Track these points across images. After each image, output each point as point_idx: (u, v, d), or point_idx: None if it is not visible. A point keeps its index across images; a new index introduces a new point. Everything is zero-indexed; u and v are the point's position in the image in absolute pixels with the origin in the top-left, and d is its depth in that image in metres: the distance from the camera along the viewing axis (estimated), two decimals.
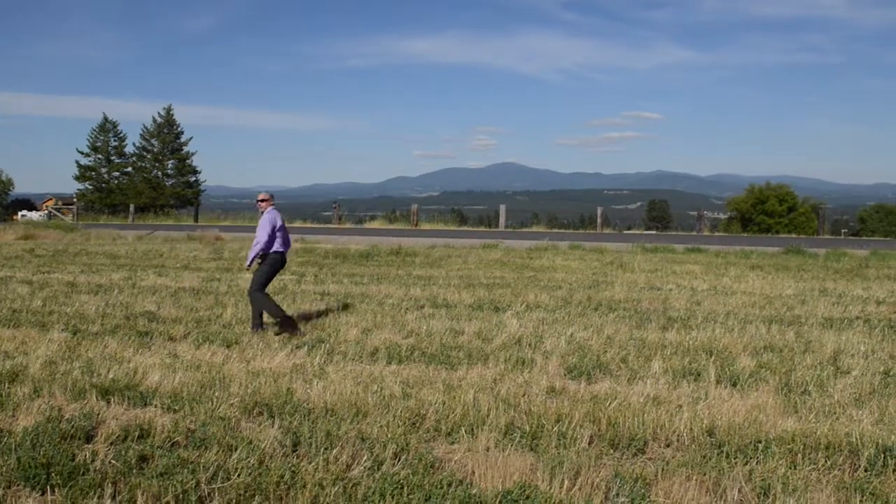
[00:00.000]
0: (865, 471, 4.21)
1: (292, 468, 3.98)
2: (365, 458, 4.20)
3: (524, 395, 5.64)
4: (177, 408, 5.18)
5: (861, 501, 3.71)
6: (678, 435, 4.71)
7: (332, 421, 4.87)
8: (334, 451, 4.23)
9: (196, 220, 40.52)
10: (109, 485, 3.81)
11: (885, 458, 4.28)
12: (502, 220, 32.28)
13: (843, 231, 71.29)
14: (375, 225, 36.10)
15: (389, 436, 4.59)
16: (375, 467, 4.09)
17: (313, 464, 4.05)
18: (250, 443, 4.35)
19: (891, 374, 6.38)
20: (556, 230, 33.77)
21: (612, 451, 4.55)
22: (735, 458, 4.31)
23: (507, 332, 8.07)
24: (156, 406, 5.21)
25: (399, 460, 4.21)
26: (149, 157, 60.08)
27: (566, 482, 3.88)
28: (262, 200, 8.57)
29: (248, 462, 4.08)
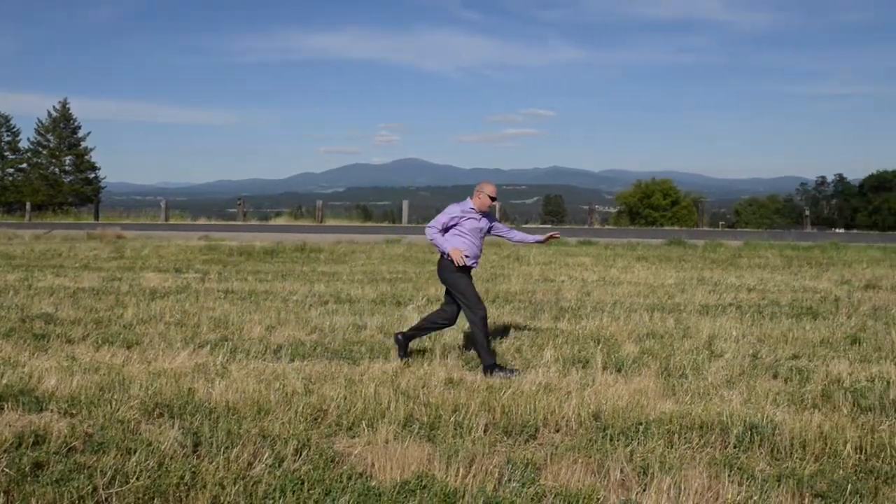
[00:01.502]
0: (734, 447, 4.44)
1: (192, 469, 3.88)
2: (266, 455, 4.14)
3: (423, 386, 5.69)
4: (74, 412, 4.97)
5: (729, 475, 3.90)
6: (567, 420, 4.84)
7: (234, 419, 4.78)
8: (235, 449, 4.15)
9: (97, 217, 38.85)
10: (1, 494, 3.63)
11: (751, 434, 4.53)
12: (405, 215, 32.32)
13: (720, 223, 74.62)
14: (281, 221, 35.50)
15: (291, 432, 4.54)
16: (276, 464, 4.04)
17: (214, 463, 3.97)
18: (150, 445, 4.23)
19: (758, 356, 6.74)
20: None
21: (505, 438, 4.65)
22: (618, 440, 4.47)
23: (408, 326, 8.09)
24: (52, 411, 4.98)
25: (300, 456, 4.17)
26: (44, 152, 57.02)
27: (461, 470, 3.93)
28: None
29: (148, 464, 3.96)
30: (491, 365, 6.18)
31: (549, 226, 41.47)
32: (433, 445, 4.37)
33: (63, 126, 57.59)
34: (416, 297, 10.29)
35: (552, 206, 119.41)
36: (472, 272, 6.69)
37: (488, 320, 6.57)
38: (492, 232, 6.84)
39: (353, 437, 4.61)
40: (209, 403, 5.13)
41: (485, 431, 4.71)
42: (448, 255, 6.44)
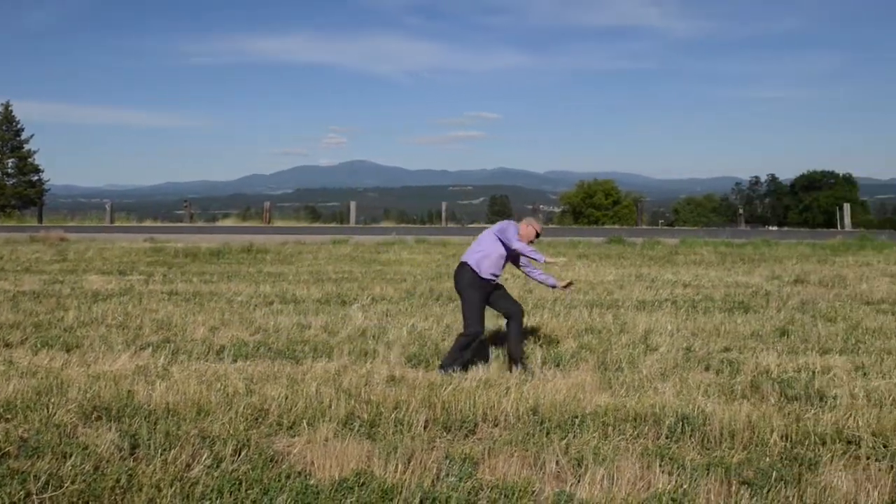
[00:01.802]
0: (667, 438, 4.51)
1: (129, 471, 3.79)
2: (205, 456, 4.06)
3: (366, 385, 5.65)
4: (9, 417, 4.81)
5: (661, 465, 3.96)
6: (506, 415, 4.86)
7: (173, 421, 4.67)
8: (173, 451, 4.06)
9: (40, 220, 37.60)
10: None
11: (683, 425, 4.61)
12: (353, 216, 32.14)
13: (660, 222, 75.97)
14: (228, 223, 34.95)
15: (231, 433, 4.46)
16: (215, 465, 3.96)
17: (151, 466, 3.88)
18: (86, 448, 4.11)
19: (692, 349, 6.87)
20: (403, 225, 33.99)
21: (445, 433, 4.64)
22: (554, 433, 4.50)
23: (353, 325, 8.05)
24: None
25: (239, 456, 4.10)
26: None
27: (400, 466, 3.92)
28: None
29: (83, 468, 3.85)
30: (446, 366, 6.09)
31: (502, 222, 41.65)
32: (373, 443, 4.34)
33: (5, 128, 55.66)
34: (361, 297, 10.22)
35: (498, 206, 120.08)
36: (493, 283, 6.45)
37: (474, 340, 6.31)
38: (519, 263, 6.72)
39: (294, 436, 4.55)
40: (149, 406, 5.01)
41: (425, 428, 4.70)
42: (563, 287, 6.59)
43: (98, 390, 5.34)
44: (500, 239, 6.29)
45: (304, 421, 4.71)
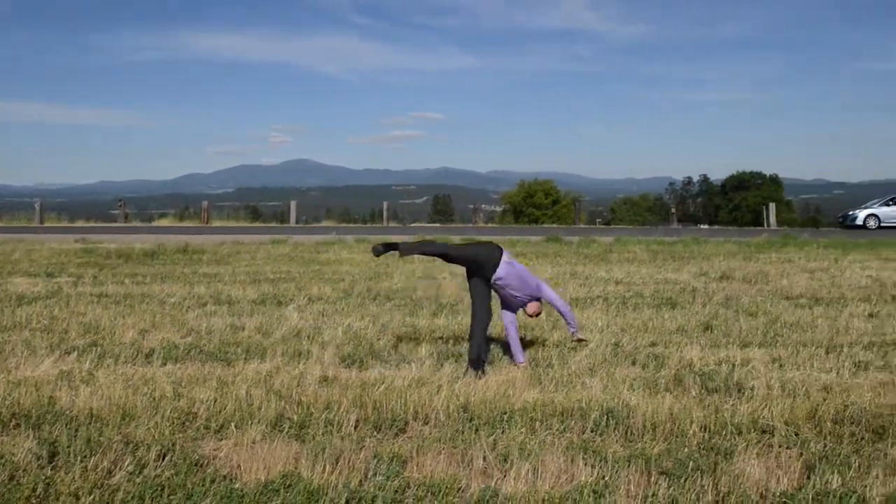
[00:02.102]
0: (592, 431, 4.59)
1: (46, 480, 3.67)
2: (127, 462, 3.96)
3: (298, 385, 5.59)
4: None
5: (585, 458, 4.03)
6: (436, 413, 4.87)
7: (96, 427, 4.54)
8: (94, 458, 3.95)
9: None
10: None
11: (607, 419, 4.69)
12: (293, 215, 31.78)
13: (597, 221, 77.04)
14: (165, 223, 34.14)
15: (156, 438, 4.36)
16: (137, 471, 3.86)
17: (70, 474, 3.76)
18: (1, 457, 3.96)
19: (620, 345, 7.00)
20: (344, 224, 33.76)
21: (375, 433, 4.63)
22: (483, 430, 4.53)
23: (288, 326, 7.95)
24: None
25: (163, 462, 4.01)
26: None
27: (328, 467, 3.89)
28: None
29: None
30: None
31: (438, 224, 41.76)
32: (302, 444, 4.30)
33: None
34: (298, 297, 10.11)
35: (441, 205, 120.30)
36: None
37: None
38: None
39: (221, 439, 4.47)
40: (71, 411, 4.86)
41: (355, 427, 4.68)
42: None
43: (18, 397, 5.15)
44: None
45: (233, 424, 4.64)
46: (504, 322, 6.52)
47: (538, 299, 6.53)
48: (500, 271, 6.25)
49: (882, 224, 32.20)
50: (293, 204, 32.26)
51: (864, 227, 32.12)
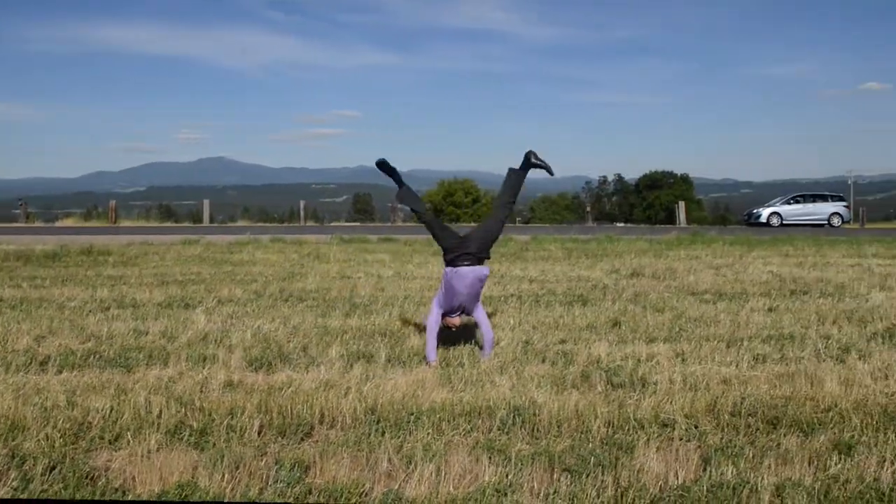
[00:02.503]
0: (498, 430, 4.61)
1: None
2: (13, 477, 3.75)
3: (201, 391, 5.43)
4: None
5: (489, 457, 4.04)
6: (343, 416, 4.80)
7: None
8: None
9: None
10: None
11: (514, 417, 4.72)
12: (206, 215, 30.98)
13: (517, 219, 77.99)
14: (69, 223, 32.76)
15: (45, 450, 4.15)
16: (22, 486, 3.67)
17: None
18: None
19: (530, 342, 7.07)
20: (260, 224, 33.14)
21: (280, 438, 4.52)
22: (389, 432, 4.49)
23: (195, 329, 7.72)
24: None
25: (51, 475, 3.82)
26: None
27: (226, 475, 3.78)
28: None
29: None
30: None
31: (358, 223, 41.46)
32: (201, 452, 4.17)
33: None
34: (207, 299, 9.84)
35: (361, 203, 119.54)
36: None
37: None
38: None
39: (117, 450, 4.29)
40: None
41: (259, 433, 4.56)
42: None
43: None
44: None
45: (129, 433, 4.46)
46: (432, 318, 6.47)
47: (468, 315, 6.63)
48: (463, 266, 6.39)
49: (784, 222, 33.77)
50: (206, 203, 31.44)
51: (767, 224, 33.60)
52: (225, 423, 4.63)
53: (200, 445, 4.32)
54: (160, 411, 4.83)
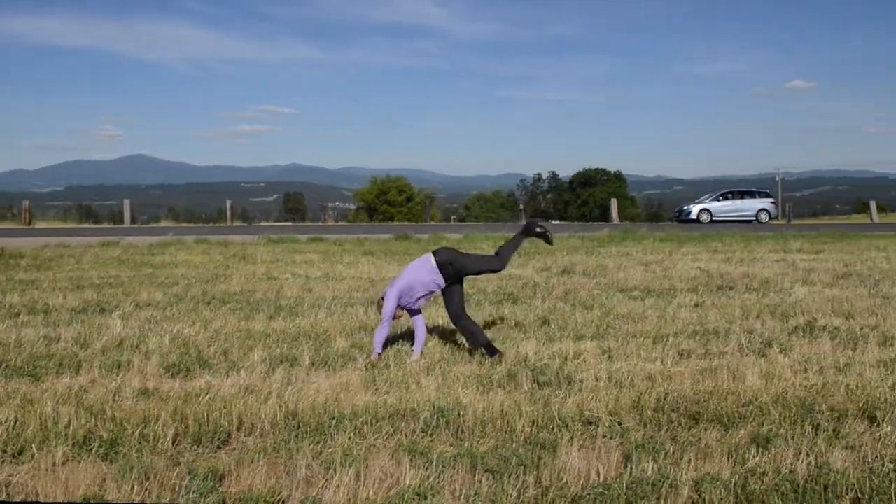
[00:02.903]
0: (422, 432, 4.60)
1: None
2: None
3: (114, 400, 5.27)
4: None
5: (411, 460, 4.03)
6: (262, 422, 4.73)
7: None
8: None
9: None
10: None
11: (438, 418, 4.73)
12: (127, 215, 30.12)
13: (452, 217, 78.29)
14: None
15: None
16: None
17: None
18: None
19: (459, 342, 7.10)
20: (185, 224, 32.40)
21: (195, 447, 4.43)
22: (310, 438, 4.44)
23: (110, 335, 7.49)
24: None
25: None
26: None
27: (136, 487, 3.68)
28: None
29: None
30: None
31: (290, 223, 40.89)
32: (111, 464, 4.05)
33: None
34: (125, 303, 9.56)
35: (293, 203, 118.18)
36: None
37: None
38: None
39: (20, 464, 4.12)
40: None
41: (173, 442, 4.45)
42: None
43: None
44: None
45: (34, 445, 4.29)
46: (388, 313, 6.56)
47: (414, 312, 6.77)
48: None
49: (714, 218, 34.74)
50: (127, 203, 30.56)
51: (697, 220, 34.53)
52: (137, 432, 4.50)
53: (110, 457, 4.20)
54: (69, 422, 4.67)
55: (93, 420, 4.74)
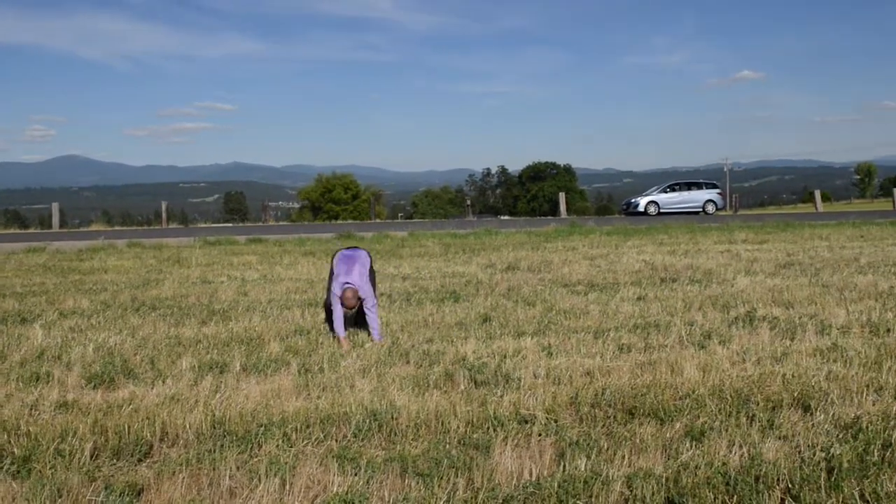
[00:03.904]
0: (354, 436, 4.57)
1: None
2: None
3: (30, 414, 5.11)
4: None
5: (340, 466, 4.00)
6: (187, 432, 4.64)
7: None
8: None
9: None
10: None
11: (370, 422, 4.70)
12: (55, 219, 29.33)
13: (399, 215, 78.09)
14: None
15: None
16: None
17: None
18: None
19: (396, 343, 7.08)
20: (116, 228, 31.70)
21: (115, 460, 4.32)
22: (236, 447, 4.37)
23: (30, 346, 7.28)
24: None
25: None
26: None
27: None
28: None
29: None
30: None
31: (231, 224, 40.31)
32: (21, 482, 3.92)
33: None
34: (48, 312, 9.30)
35: (234, 203, 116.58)
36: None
37: None
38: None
39: None
40: None
41: (92, 457, 4.34)
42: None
43: None
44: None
45: None
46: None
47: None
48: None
49: (661, 210, 35.39)
50: (55, 206, 29.75)
51: (645, 213, 35.12)
52: (52, 447, 4.37)
53: (21, 475, 4.07)
54: None
55: (6, 436, 4.60)
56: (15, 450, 4.36)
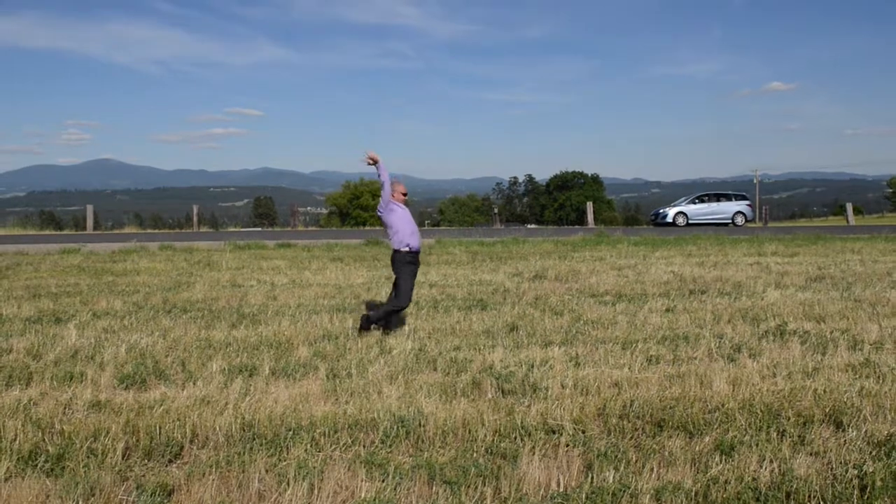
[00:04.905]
0: (381, 442, 4.58)
1: None
2: None
3: (64, 413, 5.18)
4: None
5: (368, 472, 4.01)
6: (217, 434, 4.68)
7: None
8: None
9: None
10: None
11: (398, 428, 4.70)
12: (90, 221, 29.76)
13: (426, 222, 78.23)
14: None
15: None
16: None
17: None
18: None
19: (424, 350, 7.08)
20: (150, 231, 32.08)
21: (146, 461, 4.37)
22: (265, 450, 4.40)
23: (64, 346, 7.38)
24: None
25: None
26: None
27: (80, 503, 3.62)
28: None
29: None
30: (366, 318, 7.91)
31: (260, 228, 40.63)
32: (56, 479, 3.98)
33: None
34: (82, 312, 9.43)
35: (263, 208, 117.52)
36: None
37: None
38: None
39: None
40: None
41: (123, 456, 4.39)
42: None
43: None
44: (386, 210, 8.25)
45: None
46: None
47: None
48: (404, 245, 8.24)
49: (690, 221, 35.06)
50: (90, 208, 30.19)
51: (673, 224, 34.83)
52: (85, 446, 4.43)
53: (55, 472, 4.13)
54: (15, 436, 4.59)
55: (40, 434, 4.67)
56: (49, 448, 4.43)
